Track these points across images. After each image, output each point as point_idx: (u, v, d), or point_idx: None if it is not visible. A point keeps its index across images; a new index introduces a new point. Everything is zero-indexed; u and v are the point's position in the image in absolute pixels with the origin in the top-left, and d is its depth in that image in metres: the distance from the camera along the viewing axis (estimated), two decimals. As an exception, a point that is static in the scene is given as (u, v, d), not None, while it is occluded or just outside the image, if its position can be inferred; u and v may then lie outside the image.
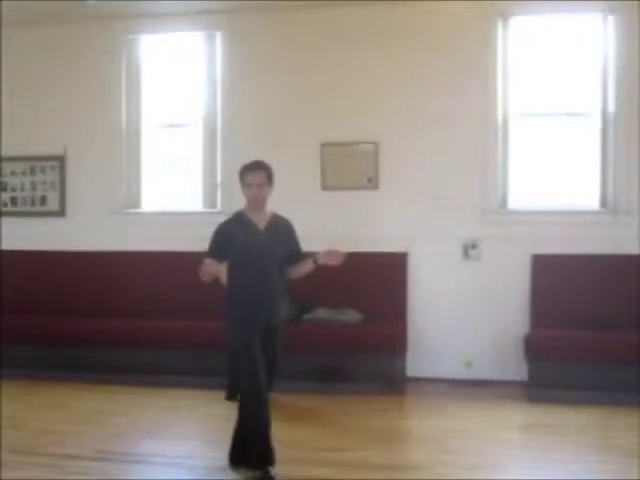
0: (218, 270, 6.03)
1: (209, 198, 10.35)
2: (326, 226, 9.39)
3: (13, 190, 10.72)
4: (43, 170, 10.61)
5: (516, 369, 8.95)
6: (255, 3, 9.64)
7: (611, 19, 9.24)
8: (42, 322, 9.54)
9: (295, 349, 7.39)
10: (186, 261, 9.72)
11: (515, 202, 9.55)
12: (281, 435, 5.88)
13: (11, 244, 10.30)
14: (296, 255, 6.15)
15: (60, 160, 10.55)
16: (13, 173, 10.69)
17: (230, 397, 8.35)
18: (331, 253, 5.87)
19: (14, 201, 10.71)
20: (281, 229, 6.17)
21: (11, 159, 10.62)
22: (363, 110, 9.67)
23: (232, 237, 6.07)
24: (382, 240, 9.48)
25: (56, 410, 7.99)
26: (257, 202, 6.07)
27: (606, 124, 9.32)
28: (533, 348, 8.50)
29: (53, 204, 10.63)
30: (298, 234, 6.27)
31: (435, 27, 9.51)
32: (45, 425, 7.29)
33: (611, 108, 9.27)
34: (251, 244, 6.03)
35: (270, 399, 5.91)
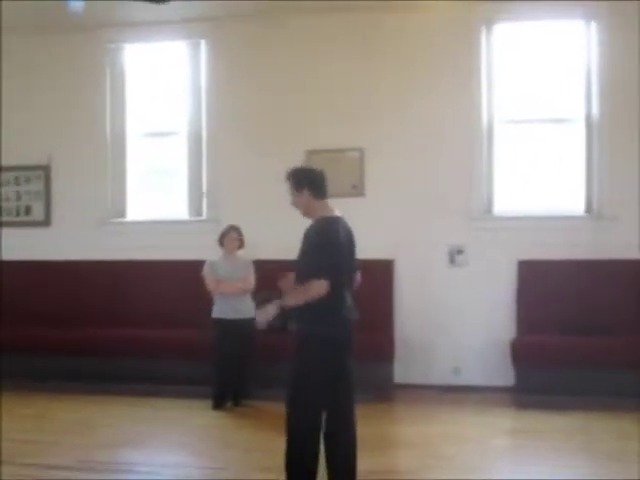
0: None
1: (195, 206, 10.34)
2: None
3: (-3, 200, 10.68)
4: (28, 180, 10.56)
5: (503, 375, 8.94)
6: (240, 11, 9.64)
7: (594, 25, 9.28)
8: (26, 331, 9.47)
9: (281, 357, 7.35)
10: (172, 269, 9.81)
11: (501, 208, 9.58)
12: (268, 444, 5.85)
13: (-5, 254, 10.27)
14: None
15: (45, 170, 10.52)
16: (-3, 183, 10.66)
17: (217, 406, 8.33)
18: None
19: (-2, 211, 10.67)
20: (306, 235, 5.56)
21: (-5, 169, 10.58)
22: (348, 117, 9.67)
23: None
24: (368, 247, 9.37)
25: (39, 420, 7.94)
26: (299, 210, 5.66)
27: (590, 129, 9.36)
28: (520, 354, 8.50)
29: (38, 214, 10.59)
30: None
31: (420, 34, 9.53)
32: (28, 435, 7.23)
33: (595, 113, 9.30)
34: None
35: None
